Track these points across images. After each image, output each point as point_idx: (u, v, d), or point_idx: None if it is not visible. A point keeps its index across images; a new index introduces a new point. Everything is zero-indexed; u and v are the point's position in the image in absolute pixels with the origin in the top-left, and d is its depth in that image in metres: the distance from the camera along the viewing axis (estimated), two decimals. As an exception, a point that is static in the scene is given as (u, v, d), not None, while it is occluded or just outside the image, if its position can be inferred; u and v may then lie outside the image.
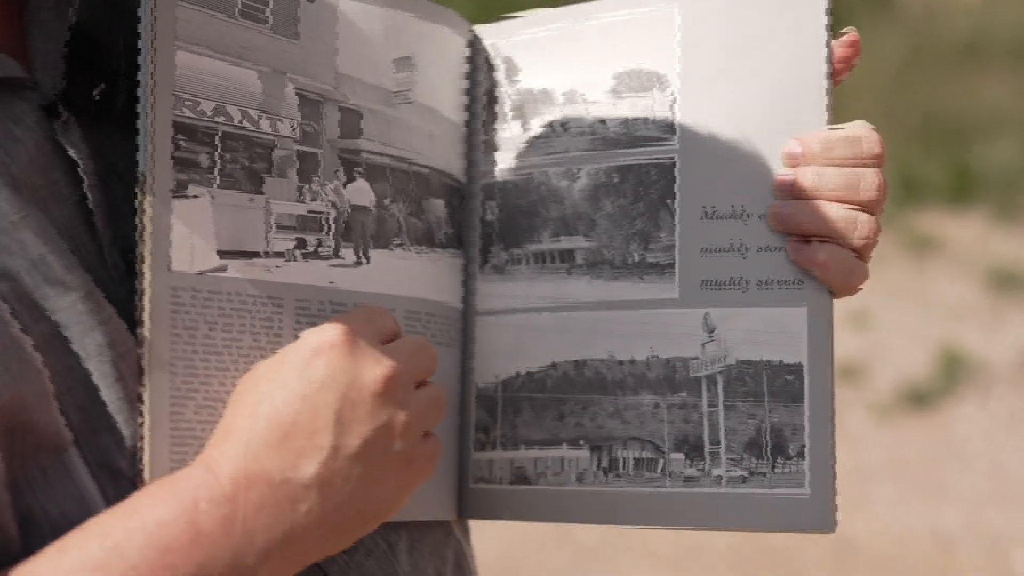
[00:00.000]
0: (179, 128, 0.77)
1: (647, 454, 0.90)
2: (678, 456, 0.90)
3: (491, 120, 0.98)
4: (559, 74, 0.96)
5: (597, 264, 0.93)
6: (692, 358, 0.90)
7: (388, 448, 0.77)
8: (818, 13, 0.89)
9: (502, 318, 0.95)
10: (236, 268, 0.79)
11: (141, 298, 0.76)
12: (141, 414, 0.76)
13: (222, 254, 0.79)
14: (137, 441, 0.76)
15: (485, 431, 0.95)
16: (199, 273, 0.78)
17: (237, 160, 0.80)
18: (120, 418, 0.76)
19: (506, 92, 0.98)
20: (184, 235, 0.77)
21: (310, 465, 0.74)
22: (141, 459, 0.75)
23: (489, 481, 0.94)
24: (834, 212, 0.87)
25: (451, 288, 0.94)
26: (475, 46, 0.98)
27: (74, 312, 0.75)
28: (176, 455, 0.76)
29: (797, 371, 0.88)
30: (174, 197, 0.77)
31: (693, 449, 0.90)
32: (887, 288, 3.83)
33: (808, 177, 0.87)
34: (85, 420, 0.75)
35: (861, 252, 0.88)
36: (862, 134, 0.88)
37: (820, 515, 0.87)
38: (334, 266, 0.85)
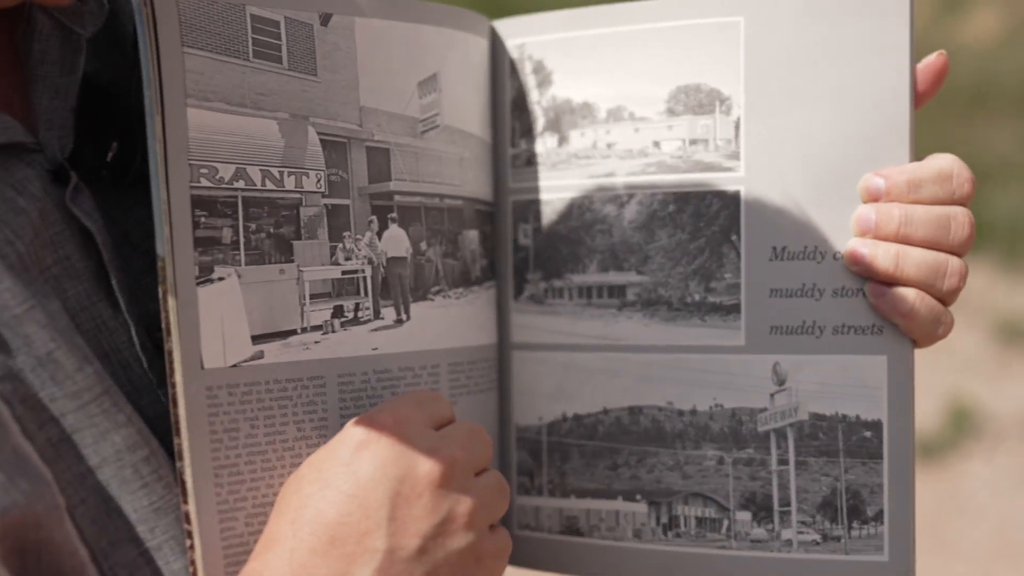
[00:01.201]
0: (197, 202, 0.69)
1: (710, 512, 0.85)
2: (744, 516, 0.84)
3: (520, 132, 0.89)
4: (602, 85, 0.86)
5: (652, 303, 0.85)
6: (760, 410, 0.83)
7: (451, 545, 0.70)
8: (901, 29, 0.80)
9: (543, 354, 0.88)
10: (272, 352, 0.72)
11: (175, 404, 0.68)
12: (189, 535, 0.69)
13: (256, 339, 0.72)
14: (188, 566, 0.69)
15: (529, 476, 0.89)
16: (234, 366, 0.71)
17: (262, 228, 0.73)
18: (144, 528, 0.68)
19: (536, 100, 0.88)
20: (214, 326, 0.70)
21: (364, 571, 0.67)
22: None
23: (536, 529, 0.89)
24: (922, 257, 0.79)
25: (488, 325, 0.87)
26: (496, 45, 0.88)
27: (86, 415, 0.67)
28: (231, 574, 0.70)
29: (876, 427, 0.82)
30: (199, 284, 0.69)
31: (761, 509, 0.84)
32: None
33: (894, 218, 0.79)
34: (102, 533, 0.67)
35: (947, 300, 0.81)
36: (952, 169, 0.80)
37: None
38: (375, 330, 0.78)
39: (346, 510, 0.68)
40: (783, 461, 0.83)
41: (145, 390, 0.70)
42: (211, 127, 0.70)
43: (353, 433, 0.70)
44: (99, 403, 0.67)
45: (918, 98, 0.82)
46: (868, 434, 0.82)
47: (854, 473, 0.82)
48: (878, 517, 0.82)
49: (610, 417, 0.86)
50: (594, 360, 0.87)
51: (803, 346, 0.82)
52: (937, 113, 4.70)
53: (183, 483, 0.69)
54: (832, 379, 0.82)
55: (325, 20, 0.76)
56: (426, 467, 0.69)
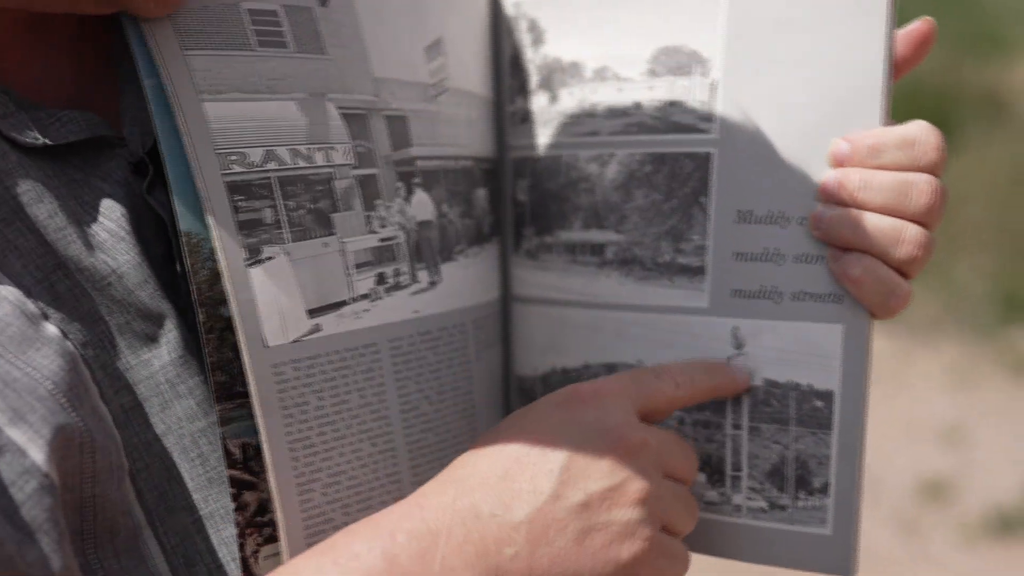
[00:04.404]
0: (233, 188, 0.71)
1: None
2: (700, 478, 0.84)
3: (517, 89, 0.90)
4: (589, 44, 0.87)
5: (627, 262, 0.86)
6: None
7: (615, 515, 0.71)
8: None
9: (537, 308, 0.90)
10: (329, 324, 0.74)
11: (245, 383, 0.71)
12: (268, 511, 0.72)
13: (311, 312, 0.74)
14: (235, 536, 0.72)
15: None
16: (295, 341, 0.73)
17: (301, 205, 0.74)
18: (199, 496, 0.72)
19: (530, 58, 0.89)
20: (271, 304, 0.71)
21: (524, 507, 0.70)
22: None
23: None
24: (877, 223, 0.78)
25: (495, 279, 0.90)
26: (495, 3, 0.90)
27: (154, 383, 0.71)
28: (313, 543, 0.72)
29: (827, 397, 0.81)
30: (249, 266, 0.71)
31: (715, 472, 0.84)
32: (984, 406, 3.70)
33: (853, 182, 0.79)
34: (161, 499, 0.71)
35: (905, 270, 0.80)
36: (918, 136, 0.79)
37: (841, 557, 0.81)
38: (414, 293, 0.81)
39: (526, 450, 0.71)
40: (737, 426, 0.83)
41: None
42: (231, 116, 0.72)
43: (562, 392, 0.75)
44: (165, 372, 0.71)
45: (900, 65, 0.81)
46: (819, 404, 0.81)
47: (803, 443, 0.81)
48: (824, 489, 0.81)
49: (590, 372, 0.88)
50: (578, 315, 0.88)
51: (763, 311, 0.82)
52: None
53: (263, 462, 0.71)
54: (788, 346, 0.81)
55: (323, 1, 0.77)
56: (613, 436, 0.73)
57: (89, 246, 0.71)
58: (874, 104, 0.80)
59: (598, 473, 0.71)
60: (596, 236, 0.87)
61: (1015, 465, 3.44)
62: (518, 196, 0.90)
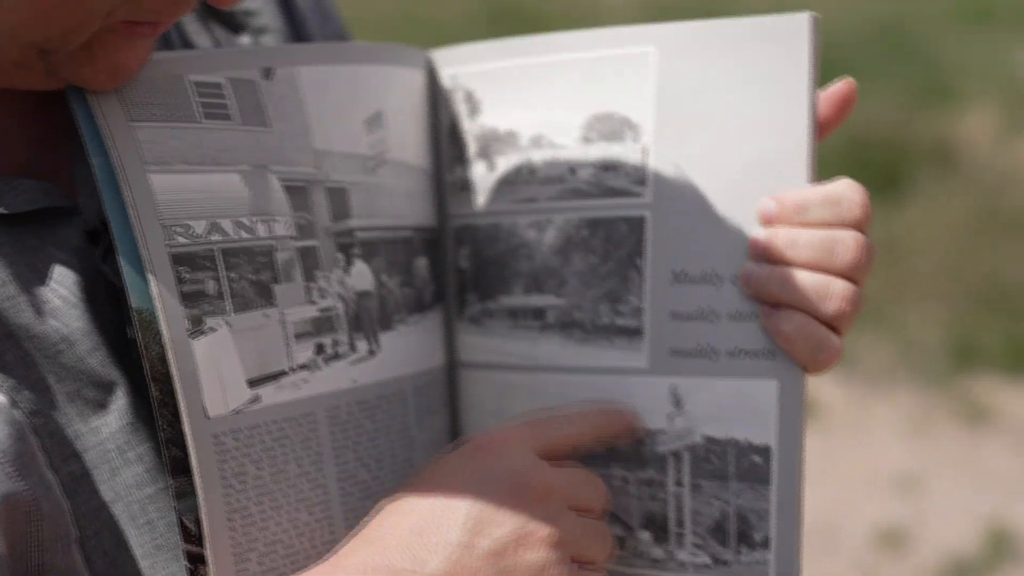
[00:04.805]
0: (177, 259, 0.72)
1: (617, 531, 0.86)
2: (646, 536, 0.86)
3: (456, 158, 0.91)
4: (525, 113, 0.88)
5: (568, 325, 0.87)
6: (659, 432, 0.85)
7: (525, 557, 0.73)
8: (801, 58, 0.81)
9: (482, 373, 0.91)
10: (268, 394, 0.76)
11: (185, 454, 0.71)
12: None
13: (252, 383, 0.75)
14: None
15: None
16: (236, 412, 0.74)
17: (243, 276, 0.76)
18: (147, 563, 0.72)
19: (467, 128, 0.90)
20: (212, 375, 0.73)
21: (437, 559, 0.72)
22: None
23: None
24: (805, 279, 0.80)
25: (439, 346, 0.91)
26: (433, 76, 0.91)
27: (103, 450, 0.71)
28: None
29: (765, 452, 0.82)
30: (192, 337, 0.72)
31: (660, 529, 0.85)
32: (938, 455, 3.73)
33: (780, 240, 0.80)
34: (110, 567, 0.71)
35: (835, 324, 0.81)
36: (842, 193, 0.81)
37: None
38: (352, 363, 0.82)
39: (436, 503, 0.73)
40: (679, 483, 0.84)
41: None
42: (176, 188, 0.73)
43: (463, 445, 0.76)
44: (115, 439, 0.72)
45: (824, 126, 0.83)
46: (757, 459, 0.82)
47: (743, 498, 0.82)
48: (765, 543, 0.82)
49: None
50: (522, 379, 0.89)
51: (700, 369, 0.83)
52: (997, 234, 4.66)
53: (200, 530, 0.71)
54: (726, 403, 0.83)
55: (267, 74, 0.79)
56: (518, 481, 0.74)
57: (40, 312, 0.71)
58: (800, 163, 0.81)
59: (506, 519, 0.73)
60: (537, 300, 0.88)
61: (970, 514, 3.46)
62: (460, 263, 0.91)
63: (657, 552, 0.85)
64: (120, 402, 0.72)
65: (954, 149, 5.10)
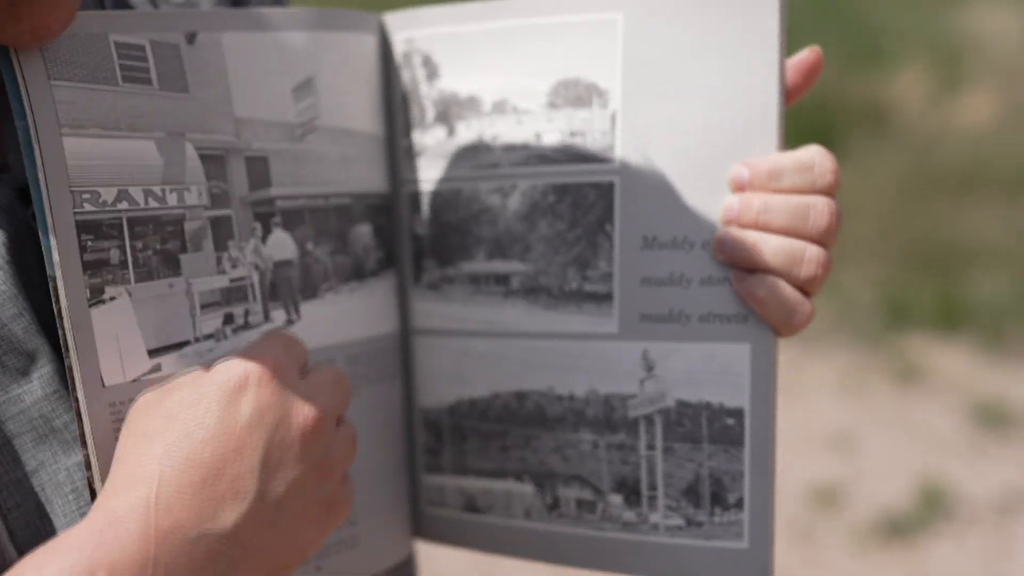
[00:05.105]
0: (83, 227, 0.70)
1: (587, 495, 0.87)
2: (616, 499, 0.86)
3: (410, 123, 0.89)
4: (487, 78, 0.87)
5: (534, 291, 0.87)
6: (630, 396, 0.85)
7: (313, 493, 0.71)
8: (770, 25, 0.81)
9: (441, 340, 0.90)
10: (168, 364, 0.74)
11: (79, 419, 0.70)
12: None
13: (152, 353, 0.73)
14: None
15: (434, 453, 0.92)
16: (134, 381, 0.72)
17: (149, 246, 0.74)
18: None
19: (425, 93, 0.88)
20: (110, 344, 0.71)
21: (231, 514, 0.67)
22: None
23: (442, 506, 0.92)
24: (779, 244, 0.81)
25: (387, 313, 0.89)
26: (385, 40, 0.88)
27: (26, 418, 0.69)
28: None
29: (738, 414, 0.83)
30: (91, 306, 0.70)
31: (631, 493, 0.86)
32: (871, 413, 3.77)
33: (754, 206, 0.81)
34: (34, 537, 0.69)
35: (807, 288, 0.82)
36: (814, 160, 0.81)
37: (758, 570, 0.83)
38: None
39: (221, 451, 0.67)
40: (651, 447, 0.85)
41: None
42: (89, 153, 0.71)
43: (231, 374, 0.69)
44: (39, 407, 0.70)
45: (790, 93, 0.84)
46: (730, 421, 0.83)
47: (716, 460, 0.83)
48: (739, 504, 0.83)
49: (499, 401, 0.89)
50: (484, 345, 0.89)
51: (671, 333, 0.84)
52: (928, 194, 4.71)
53: (92, 493, 0.70)
54: (698, 367, 0.83)
55: (191, 39, 0.77)
56: (300, 416, 0.70)
57: None
58: (770, 129, 0.81)
59: (294, 458, 0.69)
60: (500, 267, 0.88)
61: (903, 471, 3.50)
62: (416, 229, 0.90)
63: (629, 515, 0.85)
64: (44, 369, 0.70)
65: (886, 111, 5.15)
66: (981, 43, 5.70)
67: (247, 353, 0.70)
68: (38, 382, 0.70)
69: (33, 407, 0.70)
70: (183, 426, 0.67)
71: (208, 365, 0.71)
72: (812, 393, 3.85)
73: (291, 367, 0.71)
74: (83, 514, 0.69)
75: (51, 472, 0.70)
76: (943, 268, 4.45)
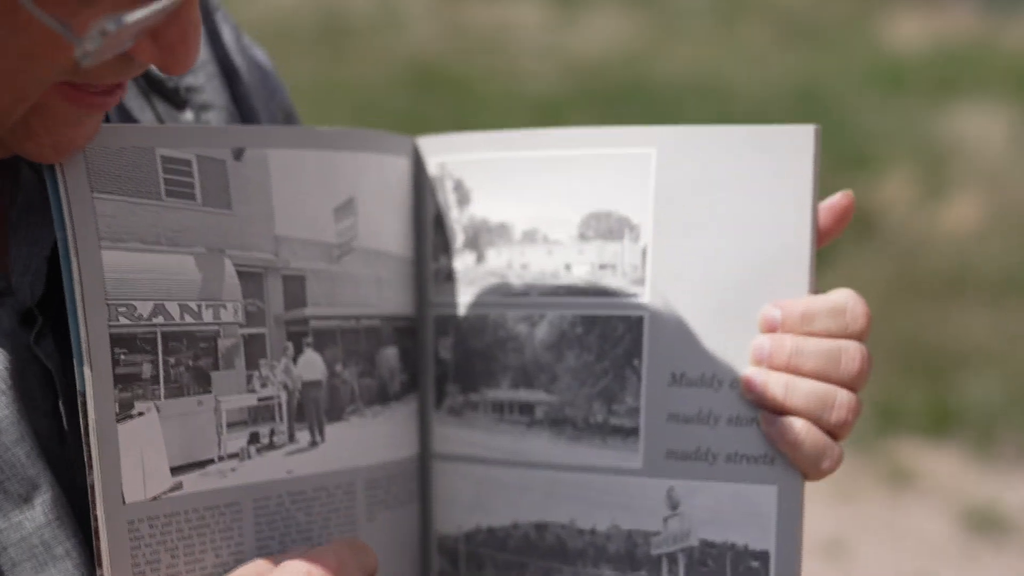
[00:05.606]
0: (116, 340, 0.70)
1: None
2: None
3: (441, 247, 0.90)
4: (518, 206, 0.87)
5: (558, 422, 0.86)
6: (654, 534, 0.84)
7: None
8: (805, 166, 0.82)
9: (461, 466, 0.89)
10: (190, 482, 0.73)
11: (97, 537, 0.69)
12: None
13: (175, 471, 0.73)
14: None
15: None
16: (154, 499, 0.71)
17: (181, 362, 0.74)
18: None
19: (456, 217, 0.89)
20: (134, 460, 0.71)
21: None
22: None
23: None
24: (810, 388, 0.80)
25: (408, 437, 0.88)
26: (419, 163, 0.89)
27: (27, 545, 0.69)
28: None
29: (763, 557, 0.81)
30: (119, 421, 0.70)
31: None
32: (862, 519, 3.76)
33: (786, 348, 0.81)
34: None
35: (836, 432, 0.81)
36: (847, 304, 0.82)
37: None
38: (290, 453, 0.79)
39: None
40: None
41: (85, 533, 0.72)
42: (127, 266, 0.71)
43: (297, 569, 0.72)
44: (39, 534, 0.69)
45: (822, 235, 0.84)
46: (755, 564, 0.81)
47: None
48: None
49: (519, 531, 0.87)
50: (506, 474, 0.87)
51: (697, 472, 0.83)
52: (914, 298, 4.73)
53: None
54: (723, 506, 0.82)
55: (238, 154, 0.77)
56: None
57: None
58: (802, 271, 0.82)
59: None
60: (525, 396, 0.87)
61: (895, 576, 3.48)
62: (440, 354, 0.89)
63: None
64: (46, 495, 0.70)
65: (872, 215, 5.18)
66: (965, 148, 5.76)
67: (313, 555, 0.72)
68: (40, 508, 0.69)
69: (34, 534, 0.69)
70: None
71: (277, 560, 0.74)
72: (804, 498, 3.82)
73: (356, 567, 0.74)
74: None
75: None
76: (932, 372, 4.45)
